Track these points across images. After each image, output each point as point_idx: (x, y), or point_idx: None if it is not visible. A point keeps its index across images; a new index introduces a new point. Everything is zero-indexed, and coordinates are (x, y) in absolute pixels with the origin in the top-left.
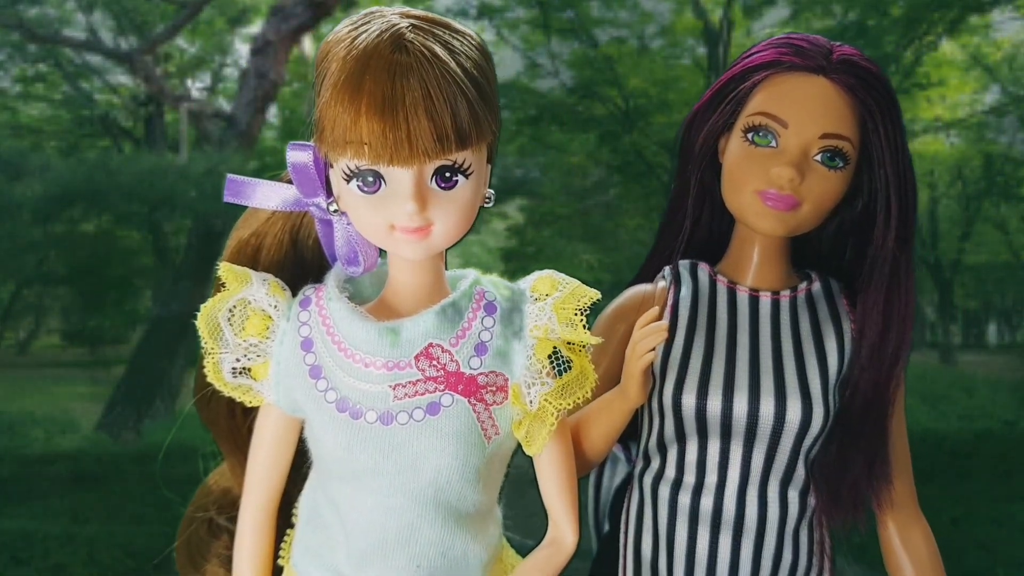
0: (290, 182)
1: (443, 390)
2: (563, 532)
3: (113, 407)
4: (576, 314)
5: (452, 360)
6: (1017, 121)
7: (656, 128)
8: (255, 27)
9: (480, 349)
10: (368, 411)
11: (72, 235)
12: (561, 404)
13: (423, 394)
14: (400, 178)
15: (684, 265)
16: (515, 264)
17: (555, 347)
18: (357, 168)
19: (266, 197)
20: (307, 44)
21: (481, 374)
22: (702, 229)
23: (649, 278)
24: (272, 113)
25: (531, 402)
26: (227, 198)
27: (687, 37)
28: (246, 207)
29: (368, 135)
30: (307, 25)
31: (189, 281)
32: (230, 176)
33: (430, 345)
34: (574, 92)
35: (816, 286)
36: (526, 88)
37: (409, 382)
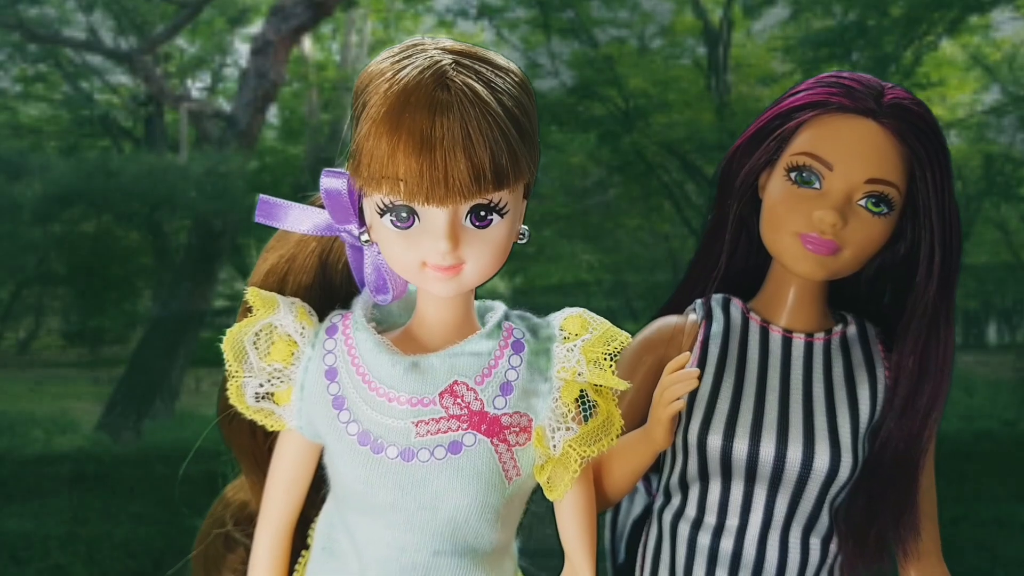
0: (322, 206)
1: (466, 429)
2: (579, 571)
3: (113, 407)
4: (605, 358)
5: (477, 399)
6: (1017, 121)
7: (656, 128)
8: (255, 27)
9: (505, 389)
10: (390, 446)
11: (72, 235)
12: (585, 451)
13: (446, 432)
14: (434, 216)
15: (717, 300)
16: (515, 264)
17: (583, 390)
18: (391, 203)
19: (298, 220)
20: (307, 44)
21: (505, 414)
22: (737, 263)
23: (678, 309)
24: (272, 113)
25: (555, 447)
26: (258, 219)
27: (687, 37)
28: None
29: (405, 172)
30: (307, 25)
31: (189, 281)
32: (263, 197)
33: (455, 383)
34: (574, 92)
35: (852, 329)
36: None
37: (432, 419)
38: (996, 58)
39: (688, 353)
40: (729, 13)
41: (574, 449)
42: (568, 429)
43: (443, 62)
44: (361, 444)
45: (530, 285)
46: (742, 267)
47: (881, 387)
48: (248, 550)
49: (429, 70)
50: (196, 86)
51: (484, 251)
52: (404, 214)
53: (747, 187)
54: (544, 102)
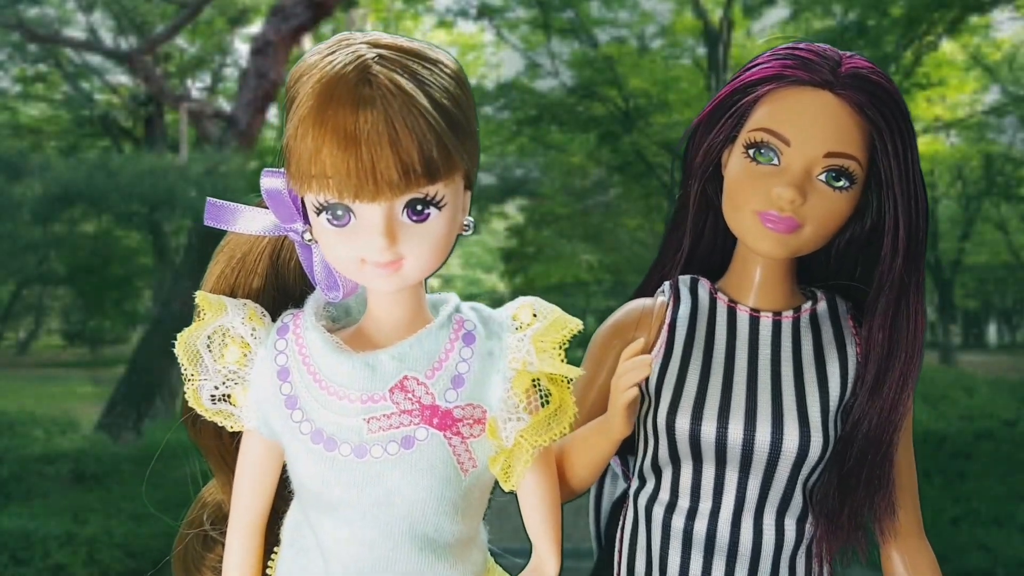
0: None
1: (418, 424)
2: (545, 562)
3: (113, 407)
4: (555, 346)
5: (427, 393)
6: (1017, 121)
7: (656, 128)
8: (255, 27)
9: (457, 381)
10: (342, 444)
11: (72, 235)
12: (537, 440)
13: (397, 427)
14: (370, 212)
15: (684, 281)
16: (515, 264)
17: (535, 379)
18: (326, 202)
19: (247, 222)
20: (307, 44)
21: (457, 407)
22: (705, 244)
23: (650, 292)
24: (272, 113)
25: (507, 438)
26: (208, 222)
27: (687, 37)
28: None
29: (331, 169)
30: (307, 25)
31: (189, 281)
32: (210, 200)
33: (405, 378)
34: (574, 92)
35: (821, 306)
36: (526, 88)
37: (383, 415)
38: (996, 58)
39: (643, 340)
40: (729, 13)
41: (526, 439)
42: (519, 419)
43: (367, 56)
44: (314, 442)
45: (530, 285)
46: (710, 248)
47: (852, 364)
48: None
49: (351, 65)
50: (196, 86)
51: (423, 245)
52: (339, 212)
53: (708, 166)
54: (544, 102)
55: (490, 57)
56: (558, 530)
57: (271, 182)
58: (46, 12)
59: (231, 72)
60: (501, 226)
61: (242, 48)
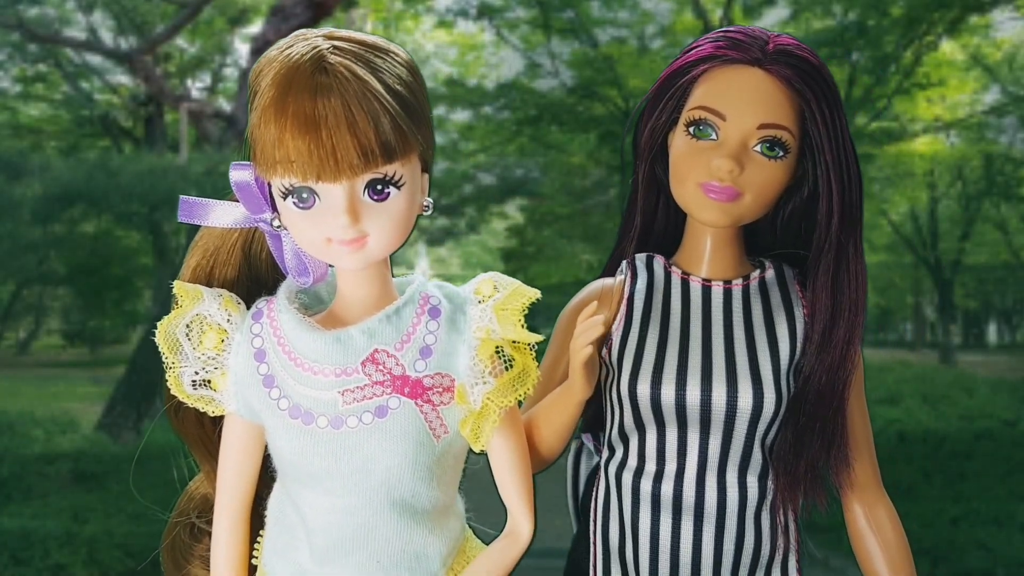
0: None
1: (390, 393)
2: (519, 524)
3: (113, 407)
4: (517, 313)
5: (398, 364)
6: (1017, 121)
7: None
8: (255, 27)
9: (425, 352)
10: (319, 416)
11: (72, 235)
12: (503, 401)
13: (371, 398)
14: (333, 193)
15: (640, 258)
16: (515, 264)
17: (499, 346)
18: (291, 186)
19: (220, 216)
20: None
21: (427, 376)
22: (658, 223)
23: (612, 273)
24: None
25: (474, 401)
26: (181, 219)
27: (687, 37)
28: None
29: (295, 153)
30: (307, 25)
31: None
32: (183, 198)
33: (375, 351)
34: (574, 92)
35: (769, 273)
36: (526, 88)
37: (357, 387)
38: (996, 58)
39: (596, 303)
40: (729, 13)
41: (492, 400)
42: (486, 383)
43: (322, 47)
44: (292, 417)
45: (530, 285)
46: (664, 227)
47: (800, 325)
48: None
49: (308, 55)
50: (196, 86)
51: (385, 222)
52: (304, 195)
53: (653, 146)
54: (544, 102)
55: (490, 57)
56: (530, 492)
57: (240, 175)
58: (46, 12)
59: (231, 72)
60: (501, 226)
61: (242, 48)
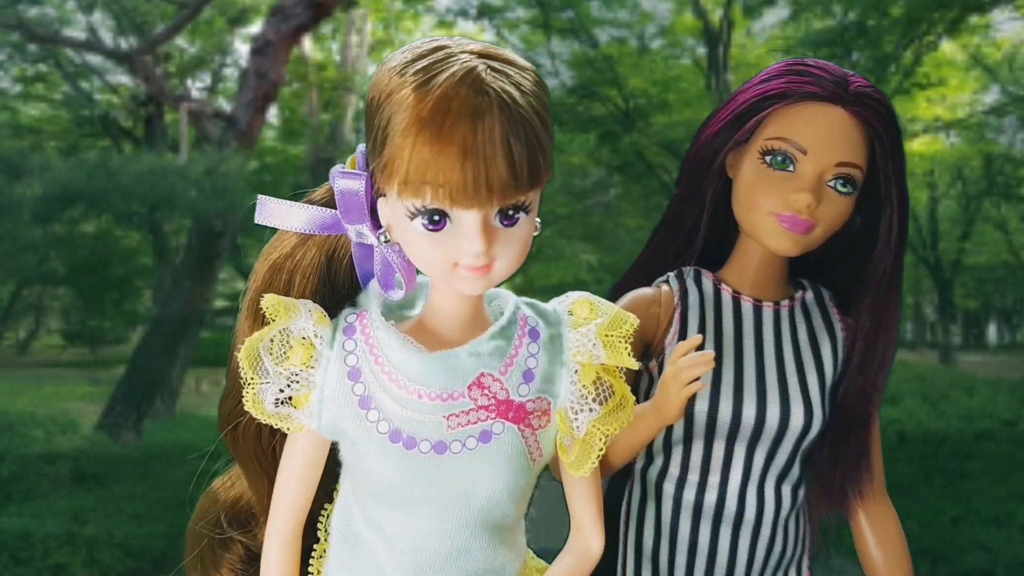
0: (316, 203)
1: (495, 418)
2: (589, 539)
3: (113, 407)
4: (620, 340)
5: (503, 388)
6: (1017, 121)
7: (656, 128)
8: (255, 27)
9: (527, 376)
10: (422, 441)
11: (72, 235)
12: (608, 430)
13: (476, 423)
14: (467, 217)
15: (688, 272)
16: None
17: (598, 373)
18: (424, 207)
19: (299, 220)
20: (307, 44)
21: (529, 400)
22: (688, 235)
23: (639, 282)
24: (272, 113)
25: (578, 427)
26: (259, 220)
27: (687, 37)
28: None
29: (446, 179)
30: (307, 25)
31: (189, 281)
32: (261, 197)
33: (482, 375)
34: (574, 92)
35: (809, 295)
36: None
37: (463, 411)
38: (996, 58)
39: (700, 337)
40: (729, 13)
41: (598, 428)
42: (591, 410)
43: (478, 67)
44: (392, 441)
45: (530, 285)
46: (704, 241)
47: (840, 347)
48: (245, 547)
49: (467, 76)
50: (196, 86)
51: (512, 248)
52: (436, 217)
53: (721, 169)
54: None
55: None
56: (601, 508)
57: (348, 183)
58: (46, 12)
59: (231, 72)
60: None
61: (242, 48)
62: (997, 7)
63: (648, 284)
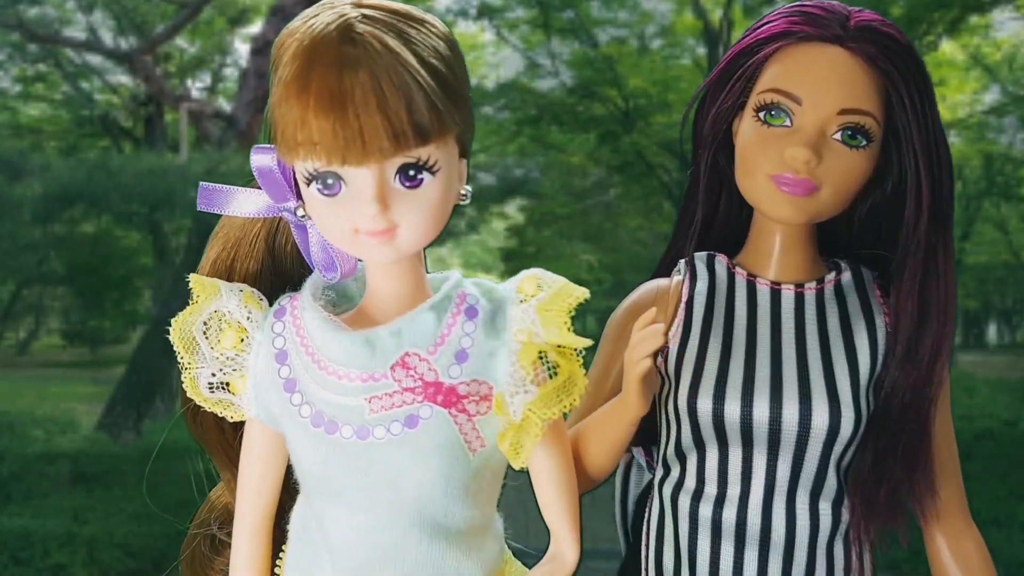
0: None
1: (421, 401)
2: (564, 548)
3: (113, 407)
4: (563, 315)
5: (430, 369)
6: (1017, 121)
7: (656, 128)
8: (255, 27)
9: (460, 356)
10: (344, 425)
11: (72, 235)
12: (546, 413)
13: (400, 406)
14: (360, 179)
15: (700, 257)
16: (515, 264)
17: (542, 352)
18: (315, 170)
19: (241, 204)
20: None
21: (462, 383)
22: (720, 218)
23: (666, 272)
24: None
25: (514, 412)
26: (201, 207)
27: (687, 37)
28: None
29: (318, 134)
30: None
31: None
32: (203, 184)
33: (406, 354)
34: (574, 92)
35: (846, 276)
36: (526, 88)
37: (385, 394)
38: (996, 58)
39: (654, 309)
40: (729, 13)
41: (534, 412)
42: (527, 392)
43: (350, 16)
44: (315, 426)
45: None
46: (725, 223)
47: (881, 335)
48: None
49: (334, 24)
50: (196, 86)
51: (418, 212)
52: (330, 180)
53: (717, 133)
54: (544, 102)
55: (490, 57)
56: (576, 514)
57: (261, 159)
58: (46, 12)
59: (231, 72)
60: (501, 226)
61: (242, 48)
62: (997, 7)
63: (668, 275)
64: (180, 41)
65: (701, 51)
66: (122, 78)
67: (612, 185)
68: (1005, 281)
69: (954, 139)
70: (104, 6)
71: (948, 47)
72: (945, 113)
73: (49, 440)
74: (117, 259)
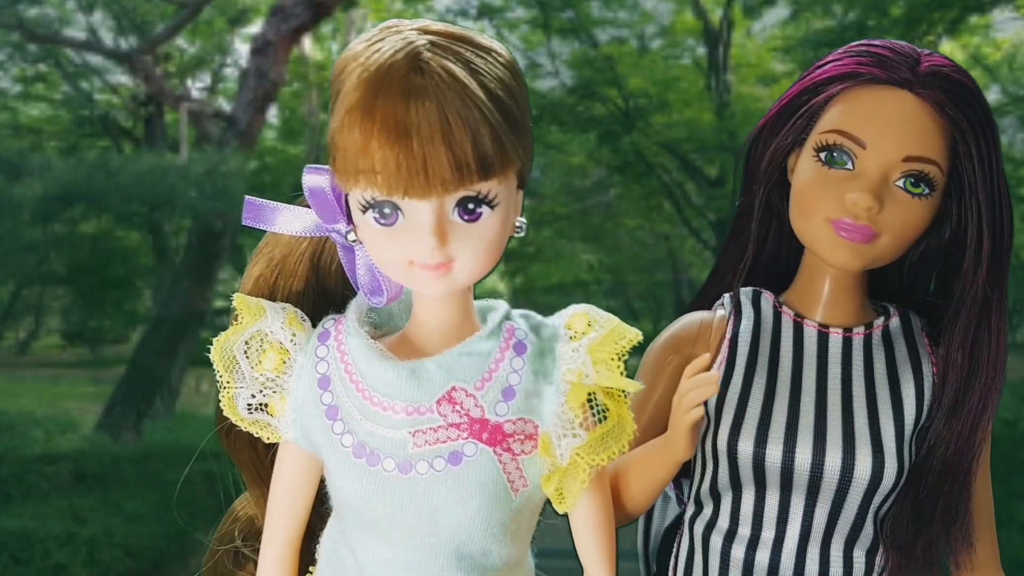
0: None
1: (466, 438)
2: None
3: (113, 407)
4: (614, 358)
5: (477, 405)
6: (1017, 121)
7: (656, 128)
8: (255, 27)
9: (507, 394)
10: (386, 458)
11: (72, 235)
12: (595, 460)
13: (444, 442)
14: (419, 211)
15: (746, 293)
16: (515, 264)
17: (591, 394)
18: (374, 199)
19: (287, 222)
20: (307, 44)
21: (508, 421)
22: (768, 254)
23: (707, 304)
24: (272, 113)
25: (562, 455)
26: (246, 222)
27: (687, 37)
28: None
29: (380, 163)
30: (307, 25)
31: (189, 281)
32: (248, 199)
33: (453, 389)
34: (574, 92)
35: (894, 322)
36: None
37: (430, 428)
38: (996, 58)
39: (708, 356)
40: (729, 13)
41: (582, 457)
42: (575, 436)
43: (418, 43)
44: (356, 456)
45: (530, 285)
46: (773, 258)
47: (928, 385)
48: (257, 566)
49: (402, 52)
50: (196, 86)
51: (475, 246)
52: (387, 210)
53: (774, 170)
54: (544, 102)
55: None
56: (612, 555)
57: (314, 179)
58: (46, 12)
59: (231, 72)
60: None
61: (242, 48)
62: (997, 7)
63: (710, 307)
64: (180, 41)
65: (701, 51)
66: (122, 78)
67: (612, 185)
68: None
69: None
70: (104, 6)
71: (948, 47)
72: None
73: (49, 440)
74: (117, 259)
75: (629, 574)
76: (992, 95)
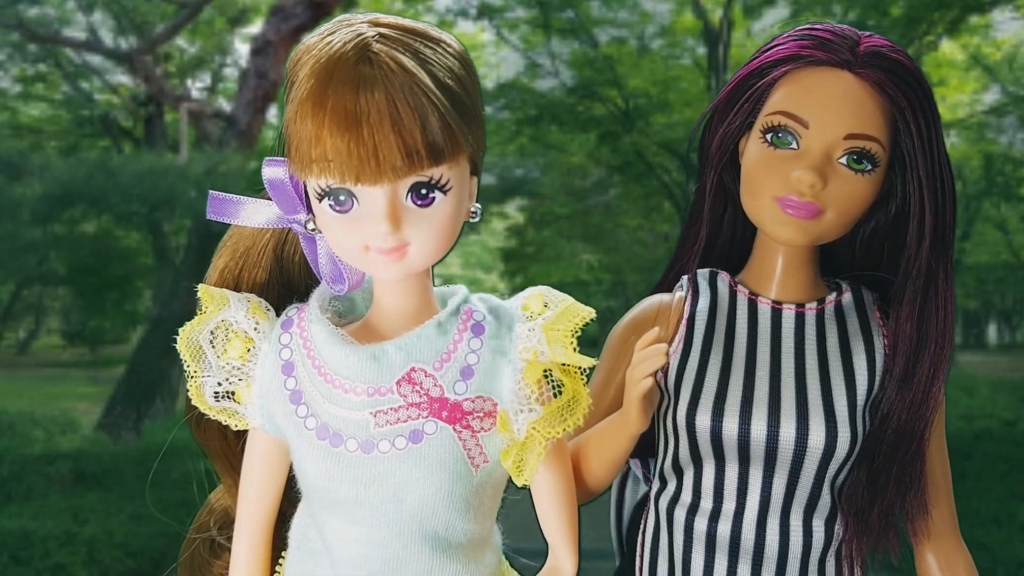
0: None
1: (426, 417)
2: (562, 561)
3: (113, 407)
4: (568, 335)
5: (436, 385)
6: (1017, 121)
7: (656, 128)
8: (255, 27)
9: (466, 373)
10: (349, 439)
11: (72, 235)
12: (550, 432)
13: (405, 421)
14: (372, 197)
15: (703, 274)
16: (515, 264)
17: (547, 370)
18: (328, 187)
19: (250, 214)
20: None
21: (467, 399)
22: (724, 236)
23: (668, 288)
24: (272, 113)
25: (519, 430)
26: (210, 215)
27: (687, 37)
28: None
29: (332, 152)
30: (307, 25)
31: (189, 281)
32: (212, 193)
33: (412, 369)
34: (574, 92)
35: (847, 297)
36: (526, 88)
37: (391, 408)
38: (996, 58)
39: (657, 328)
40: (729, 13)
41: (538, 431)
42: (532, 411)
43: (367, 35)
44: (320, 438)
45: (530, 285)
46: (730, 240)
47: (880, 356)
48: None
49: (351, 44)
50: (196, 86)
51: (429, 231)
52: (342, 197)
53: (724, 153)
54: (544, 102)
55: (490, 57)
56: (575, 528)
57: (273, 172)
58: (46, 12)
59: (231, 72)
60: (501, 226)
61: (242, 48)
62: (997, 7)
63: (671, 290)
64: (180, 41)
65: (701, 51)
66: (122, 78)
67: (612, 185)
68: (1005, 281)
69: (954, 139)
70: (104, 6)
71: (948, 47)
72: (945, 113)
73: (49, 440)
74: (117, 259)
75: (604, 574)
76: (992, 95)
